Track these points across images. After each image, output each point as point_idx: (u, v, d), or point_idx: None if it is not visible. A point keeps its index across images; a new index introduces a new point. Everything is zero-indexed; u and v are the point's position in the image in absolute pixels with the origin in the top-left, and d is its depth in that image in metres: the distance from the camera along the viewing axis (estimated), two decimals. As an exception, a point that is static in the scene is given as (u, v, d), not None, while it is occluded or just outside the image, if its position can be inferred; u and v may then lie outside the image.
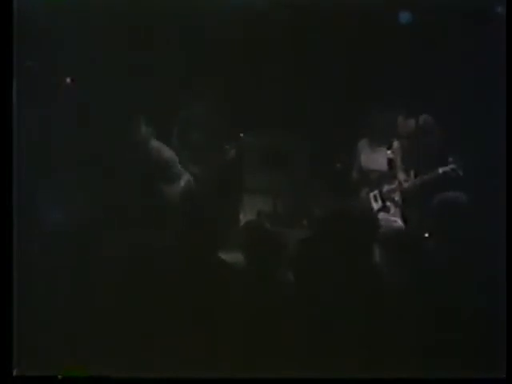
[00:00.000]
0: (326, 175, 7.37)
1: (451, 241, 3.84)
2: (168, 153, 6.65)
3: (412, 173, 6.80)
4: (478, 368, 3.24)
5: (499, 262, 3.67)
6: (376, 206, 6.89)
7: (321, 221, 3.98)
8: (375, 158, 6.97)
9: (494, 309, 3.46)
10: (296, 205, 7.48)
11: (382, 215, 6.68)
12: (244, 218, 7.05)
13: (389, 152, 6.80)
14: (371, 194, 6.97)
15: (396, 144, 6.84)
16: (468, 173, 6.32)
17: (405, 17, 6.78)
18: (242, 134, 7.33)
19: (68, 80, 6.62)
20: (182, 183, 6.66)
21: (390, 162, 6.81)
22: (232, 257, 4.03)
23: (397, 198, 6.87)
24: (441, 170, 6.46)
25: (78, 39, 6.49)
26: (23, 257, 3.67)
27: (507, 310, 3.47)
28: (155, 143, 6.62)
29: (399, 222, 6.17)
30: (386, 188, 6.91)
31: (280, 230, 4.86)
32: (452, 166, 6.42)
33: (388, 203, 6.87)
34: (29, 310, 3.46)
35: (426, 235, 4.39)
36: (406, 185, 6.72)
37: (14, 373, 3.36)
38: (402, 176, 6.83)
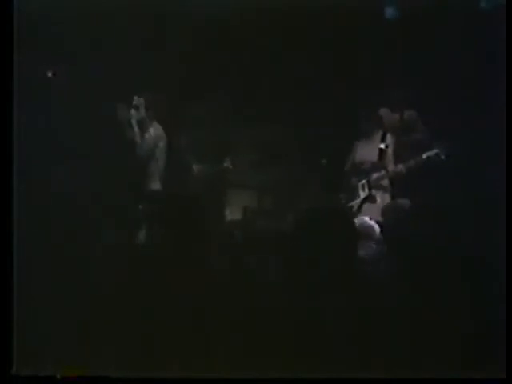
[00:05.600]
0: (314, 171, 7.45)
1: (448, 236, 3.84)
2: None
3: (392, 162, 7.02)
4: (478, 368, 3.24)
5: (499, 261, 3.67)
6: (363, 194, 7.10)
7: (307, 216, 3.84)
8: (368, 151, 7.16)
9: (494, 309, 3.46)
10: (281, 200, 7.42)
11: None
12: (230, 213, 6.99)
13: (381, 144, 7.07)
14: (359, 184, 7.17)
15: (389, 136, 7.11)
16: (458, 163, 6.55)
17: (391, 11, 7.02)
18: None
19: (49, 74, 6.61)
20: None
21: (381, 152, 7.06)
22: (218, 251, 4.00)
23: (385, 184, 7.09)
24: (425, 156, 6.77)
25: (77, 38, 6.50)
26: (23, 256, 3.68)
27: (507, 309, 3.47)
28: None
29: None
30: (374, 176, 7.11)
31: (266, 226, 4.83)
32: (435, 150, 6.71)
33: (374, 191, 7.07)
34: (29, 309, 3.45)
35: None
36: (392, 172, 6.98)
37: (14, 373, 3.36)
38: (391, 166, 7.07)
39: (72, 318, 3.40)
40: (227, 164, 7.26)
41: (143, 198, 6.38)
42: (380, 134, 7.14)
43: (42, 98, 6.38)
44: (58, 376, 3.28)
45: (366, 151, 7.20)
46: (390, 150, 7.11)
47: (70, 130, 6.37)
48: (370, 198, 7.09)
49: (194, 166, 7.12)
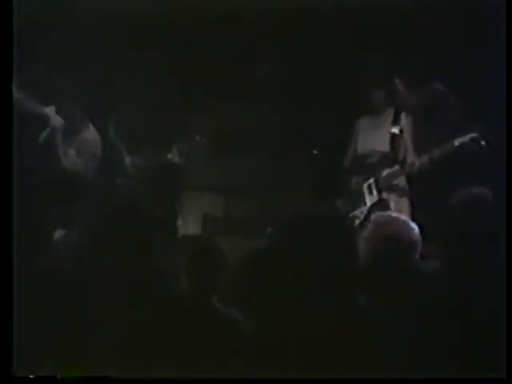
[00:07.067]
0: (301, 165, 5.98)
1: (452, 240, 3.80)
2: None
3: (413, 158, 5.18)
4: (478, 368, 3.24)
5: (499, 260, 3.67)
6: (370, 199, 5.40)
7: (290, 228, 2.94)
8: (375, 138, 5.52)
9: (494, 308, 3.46)
10: (257, 206, 5.83)
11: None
12: (184, 224, 5.28)
13: (394, 127, 5.42)
14: (365, 184, 5.45)
15: (404, 117, 5.47)
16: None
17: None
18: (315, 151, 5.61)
19: None
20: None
21: (394, 139, 5.40)
22: (167, 278, 3.46)
23: (401, 184, 5.34)
24: (457, 142, 5.03)
25: (77, 39, 6.49)
26: (23, 256, 3.68)
27: (507, 309, 3.46)
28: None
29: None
30: (385, 173, 5.41)
31: (233, 242, 3.75)
32: (472, 134, 4.97)
33: (385, 194, 5.34)
34: (29, 309, 3.46)
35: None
36: (409, 167, 5.25)
37: (14, 372, 3.36)
38: (408, 158, 5.36)
39: (72, 318, 3.41)
40: (176, 157, 5.63)
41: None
42: (391, 113, 5.49)
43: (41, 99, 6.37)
44: (58, 376, 3.27)
45: (373, 138, 5.50)
46: (405, 136, 5.37)
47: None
48: (379, 205, 5.27)
49: (132, 162, 5.70)
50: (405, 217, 3.58)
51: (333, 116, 5.83)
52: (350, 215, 5.36)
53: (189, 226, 5.42)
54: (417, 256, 3.46)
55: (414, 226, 3.46)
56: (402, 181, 5.37)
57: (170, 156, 5.66)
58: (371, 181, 5.43)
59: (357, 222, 5.28)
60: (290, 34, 6.09)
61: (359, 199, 5.45)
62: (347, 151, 5.68)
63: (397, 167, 5.37)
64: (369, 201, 5.40)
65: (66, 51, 5.99)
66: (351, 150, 5.65)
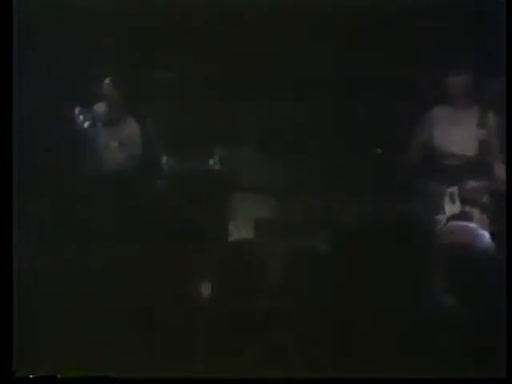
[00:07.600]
0: (361, 165, 5.45)
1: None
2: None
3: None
4: (478, 368, 3.23)
5: (499, 260, 3.66)
6: (450, 208, 4.81)
7: (350, 233, 2.90)
8: (455, 136, 4.80)
9: (495, 308, 3.45)
10: (313, 209, 5.38)
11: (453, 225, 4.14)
12: (236, 229, 5.15)
13: (480, 129, 4.71)
14: (447, 190, 4.83)
15: (492, 116, 4.77)
16: None
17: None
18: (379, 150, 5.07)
19: None
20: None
21: (480, 142, 4.70)
22: (216, 286, 3.40)
23: (488, 199, 4.72)
24: None
25: (77, 39, 6.50)
26: (23, 256, 3.68)
27: (507, 309, 3.46)
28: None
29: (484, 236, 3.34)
30: (470, 185, 4.81)
31: (287, 247, 3.51)
32: None
33: (468, 208, 4.75)
34: (29, 309, 3.46)
35: None
36: (500, 184, 4.49)
37: (13, 372, 3.36)
38: (500, 170, 4.61)
39: (72, 318, 3.40)
40: (218, 160, 5.47)
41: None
42: (477, 110, 4.79)
43: (41, 98, 6.38)
44: (59, 376, 3.27)
45: (452, 137, 4.79)
46: (493, 141, 4.62)
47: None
48: (459, 216, 4.64)
49: (174, 164, 5.58)
50: (475, 226, 3.37)
51: (396, 113, 5.33)
52: (428, 221, 4.62)
53: (240, 229, 5.20)
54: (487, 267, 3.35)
55: (486, 234, 3.26)
56: (487, 196, 4.74)
57: (213, 159, 5.51)
58: (454, 189, 4.82)
59: (436, 227, 4.53)
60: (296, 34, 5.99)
61: (437, 205, 4.84)
62: (418, 147, 4.93)
63: (484, 181, 4.73)
64: (448, 210, 4.84)
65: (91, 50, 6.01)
66: (424, 146, 4.88)
